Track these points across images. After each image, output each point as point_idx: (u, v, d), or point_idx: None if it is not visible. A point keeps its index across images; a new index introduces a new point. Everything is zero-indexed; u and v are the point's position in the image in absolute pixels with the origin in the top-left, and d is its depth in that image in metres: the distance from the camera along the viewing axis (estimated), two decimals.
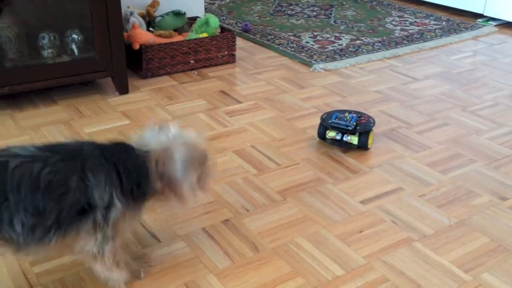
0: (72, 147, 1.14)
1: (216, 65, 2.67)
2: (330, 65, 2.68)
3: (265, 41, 3.04)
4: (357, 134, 1.83)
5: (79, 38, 2.27)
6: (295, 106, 2.25)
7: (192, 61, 2.59)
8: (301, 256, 1.37)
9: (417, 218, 1.53)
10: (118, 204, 1.11)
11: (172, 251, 1.38)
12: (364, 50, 2.90)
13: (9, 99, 2.19)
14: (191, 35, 2.63)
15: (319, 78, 2.56)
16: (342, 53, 2.85)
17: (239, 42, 3.00)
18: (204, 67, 2.64)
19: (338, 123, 1.84)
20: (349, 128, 1.82)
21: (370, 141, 1.87)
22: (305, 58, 2.78)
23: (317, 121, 2.11)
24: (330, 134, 1.87)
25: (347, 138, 1.84)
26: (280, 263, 1.35)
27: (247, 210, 1.55)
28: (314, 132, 2.01)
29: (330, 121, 1.87)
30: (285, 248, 1.40)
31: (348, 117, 1.87)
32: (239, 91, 2.39)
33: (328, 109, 2.21)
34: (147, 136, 1.23)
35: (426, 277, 1.31)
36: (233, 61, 2.72)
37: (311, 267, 1.33)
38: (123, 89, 2.30)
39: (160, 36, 2.55)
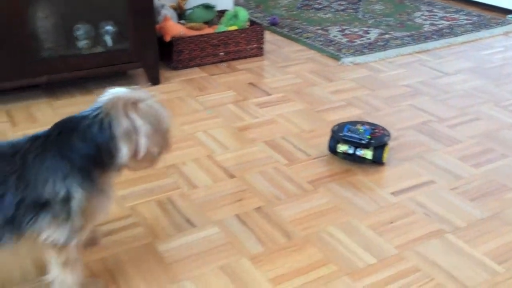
0: (15, 144, 1.08)
1: (245, 57, 2.70)
2: (359, 59, 2.69)
3: (293, 35, 3.05)
4: (372, 148, 1.70)
5: (113, 30, 2.32)
6: (324, 99, 2.26)
7: (221, 53, 2.62)
8: (333, 244, 1.39)
9: (449, 211, 1.53)
10: (78, 193, 1.05)
11: (207, 236, 1.41)
12: (393, 44, 2.89)
13: (47, 88, 2.25)
14: (221, 27, 2.66)
15: (347, 71, 2.56)
16: (370, 47, 2.85)
17: (267, 35, 3.02)
18: (233, 59, 2.67)
19: (351, 136, 1.71)
20: (363, 142, 1.69)
21: (385, 155, 1.73)
22: (333, 51, 2.78)
23: (346, 114, 2.12)
24: (342, 148, 1.73)
25: (360, 152, 1.71)
26: (312, 250, 1.37)
27: (279, 199, 1.58)
28: None
29: (341, 134, 1.73)
30: (317, 236, 1.42)
31: (361, 130, 1.73)
32: (268, 83, 2.41)
33: (358, 103, 2.22)
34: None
35: (458, 268, 1.31)
36: (261, 54, 2.74)
37: (343, 255, 1.35)
38: (154, 80, 2.34)
39: (190, 28, 2.58)
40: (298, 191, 1.62)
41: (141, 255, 1.34)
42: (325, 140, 1.92)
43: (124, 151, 1.07)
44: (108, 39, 2.31)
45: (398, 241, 1.41)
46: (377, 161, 1.71)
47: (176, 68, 2.52)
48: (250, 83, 2.40)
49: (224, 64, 2.62)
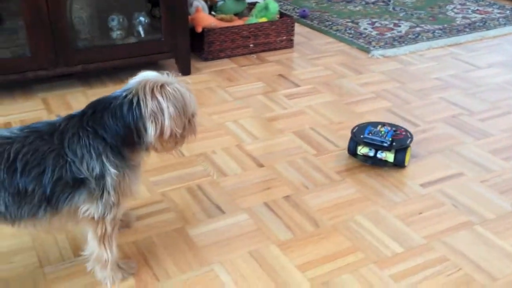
0: (52, 123, 1.12)
1: (275, 49, 2.71)
2: (389, 52, 2.67)
3: (323, 27, 3.05)
4: (393, 150, 1.65)
5: (146, 21, 2.36)
6: (353, 91, 2.26)
7: (251, 45, 2.64)
8: (360, 233, 1.40)
9: (478, 203, 1.53)
10: (112, 170, 1.10)
11: (236, 222, 1.44)
12: (424, 37, 2.87)
13: (81, 77, 2.32)
14: (251, 19, 2.68)
15: (377, 64, 2.55)
16: (401, 40, 2.82)
17: (297, 27, 3.02)
18: (263, 51, 2.68)
19: (372, 139, 1.66)
20: (385, 144, 1.63)
21: (407, 158, 1.67)
22: (363, 44, 2.77)
23: (375, 106, 2.12)
24: (363, 150, 1.68)
25: (381, 155, 1.65)
26: (340, 238, 1.38)
27: (307, 188, 1.60)
28: (373, 117, 2.03)
29: (362, 136, 1.68)
30: (344, 225, 1.43)
31: (383, 132, 1.68)
32: (297, 75, 2.42)
33: (387, 95, 2.22)
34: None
35: (487, 259, 1.31)
36: (291, 46, 2.75)
37: (370, 243, 1.37)
38: (185, 71, 2.38)
39: (221, 20, 2.61)
40: (326, 180, 1.63)
41: (172, 239, 1.38)
42: None
43: (150, 131, 1.11)
44: (141, 30, 2.36)
45: (426, 231, 1.41)
46: (399, 164, 1.65)
47: (206, 59, 2.56)
48: (280, 75, 2.42)
49: (254, 56, 2.64)
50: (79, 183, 1.09)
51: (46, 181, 1.06)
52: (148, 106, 1.09)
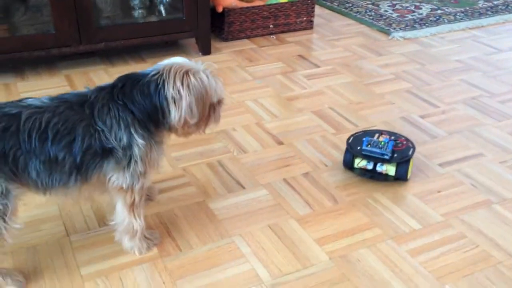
0: (83, 94, 1.15)
1: (294, 30, 2.71)
2: (410, 34, 2.66)
3: (343, 9, 3.04)
4: (395, 163, 1.49)
5: (167, 0, 2.38)
6: (373, 72, 2.26)
7: (271, 26, 2.64)
8: (378, 210, 1.42)
9: (497, 183, 1.53)
10: (139, 141, 1.13)
11: (256, 197, 1.47)
12: (445, 20, 2.84)
13: (103, 55, 2.35)
14: (272, 0, 2.68)
15: (397, 46, 2.54)
16: (422, 22, 2.80)
17: (317, 9, 3.01)
18: (283, 32, 2.69)
19: (371, 151, 1.50)
20: (386, 157, 1.48)
21: (410, 170, 1.52)
22: (383, 26, 2.76)
23: (395, 87, 2.12)
24: (361, 163, 1.52)
25: (381, 168, 1.50)
26: (358, 214, 1.40)
27: (326, 165, 1.62)
28: (393, 98, 2.03)
29: (360, 148, 1.52)
30: (362, 202, 1.45)
31: (382, 142, 1.52)
32: (317, 56, 2.42)
33: (407, 76, 2.21)
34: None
35: (504, 237, 1.32)
36: (311, 27, 2.75)
37: (388, 220, 1.38)
38: (206, 50, 2.40)
39: (242, 0, 2.62)
40: None
41: (194, 212, 1.41)
42: (373, 112, 1.93)
43: (172, 114, 1.15)
44: (162, 9, 2.38)
45: (444, 209, 1.42)
46: (401, 178, 1.50)
47: (226, 39, 2.57)
48: (299, 55, 2.42)
49: (273, 36, 2.64)
50: (107, 153, 1.12)
51: (76, 150, 1.09)
52: (169, 91, 1.13)
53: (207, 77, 1.18)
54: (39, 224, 1.34)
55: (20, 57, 2.06)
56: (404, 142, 1.54)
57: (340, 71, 2.27)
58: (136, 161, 1.14)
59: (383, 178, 1.51)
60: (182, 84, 1.13)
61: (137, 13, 2.33)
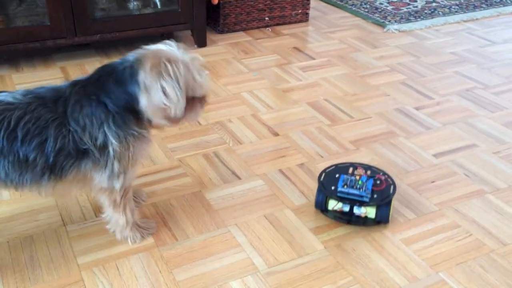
0: (57, 89, 1.10)
1: (290, 23, 2.72)
2: (405, 26, 2.66)
3: (338, 1, 3.04)
4: (375, 205, 1.30)
5: None
6: (368, 64, 2.27)
7: (266, 18, 2.64)
8: None
9: (490, 173, 1.55)
10: (114, 141, 1.08)
11: (252, 188, 1.48)
12: (440, 12, 2.85)
13: (98, 47, 2.35)
14: None
15: (392, 38, 2.55)
16: (417, 15, 2.81)
17: (312, 1, 3.01)
18: (278, 24, 2.69)
19: (349, 193, 1.30)
20: (365, 199, 1.29)
21: (391, 211, 1.33)
22: (378, 18, 2.77)
23: (390, 79, 2.13)
24: (337, 206, 1.32)
25: (360, 210, 1.30)
26: None
27: (321, 156, 1.62)
28: (387, 89, 2.04)
29: (334, 189, 1.32)
30: None
31: (360, 182, 1.32)
32: (312, 48, 2.43)
33: (402, 69, 2.22)
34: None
35: (497, 225, 1.34)
36: (306, 20, 2.75)
37: None
38: (201, 42, 2.40)
39: None
40: (341, 150, 1.66)
41: (190, 202, 1.42)
42: (368, 103, 1.94)
43: (142, 102, 1.08)
44: (158, 1, 2.37)
45: (438, 199, 1.44)
46: (383, 221, 1.31)
47: (222, 32, 2.57)
48: (295, 48, 2.43)
49: (269, 29, 2.65)
50: (82, 154, 1.09)
51: (49, 150, 1.05)
52: (142, 78, 1.06)
53: (190, 68, 1.10)
54: (36, 214, 1.35)
55: (15, 48, 2.06)
56: (383, 178, 1.35)
57: (335, 63, 2.27)
58: (112, 162, 1.10)
59: (362, 222, 1.31)
60: (152, 70, 1.06)
61: (133, 5, 2.32)
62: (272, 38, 2.54)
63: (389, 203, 1.30)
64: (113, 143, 1.08)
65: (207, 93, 1.18)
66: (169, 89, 1.06)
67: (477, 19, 2.80)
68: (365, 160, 1.60)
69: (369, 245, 1.27)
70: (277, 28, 2.66)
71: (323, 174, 1.38)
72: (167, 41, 1.13)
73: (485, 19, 2.81)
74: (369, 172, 1.37)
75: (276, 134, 1.74)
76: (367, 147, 1.67)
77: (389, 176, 1.36)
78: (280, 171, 1.55)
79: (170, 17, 2.29)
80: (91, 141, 1.07)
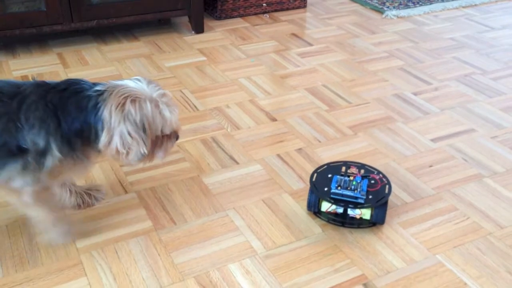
0: (17, 85, 1.07)
1: (288, 9, 2.70)
2: (403, 12, 2.65)
3: None
4: (371, 206, 1.25)
5: None
6: (366, 50, 2.26)
7: (264, 4, 2.63)
8: None
9: (488, 157, 1.55)
10: (56, 153, 1.05)
11: (250, 172, 1.48)
12: None
13: (95, 33, 2.33)
14: None
15: (391, 24, 2.54)
16: (415, 1, 2.80)
17: None
18: (276, 10, 2.68)
19: (343, 194, 1.25)
20: (360, 200, 1.25)
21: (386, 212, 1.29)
22: (377, 4, 2.75)
23: (388, 65, 2.12)
24: (331, 208, 1.26)
25: (354, 212, 1.25)
26: None
27: (319, 141, 1.62)
28: (385, 75, 2.04)
29: (327, 190, 1.27)
30: None
31: (354, 182, 1.28)
32: (310, 34, 2.42)
33: (400, 54, 2.22)
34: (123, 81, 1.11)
35: (495, 209, 1.34)
36: (304, 6, 2.74)
37: None
38: (199, 28, 2.39)
39: None
40: (338, 135, 1.66)
41: (188, 187, 1.42)
42: (366, 89, 1.94)
43: (102, 138, 1.06)
44: None
45: (436, 183, 1.44)
46: (379, 222, 1.28)
47: (219, 18, 2.56)
48: (293, 34, 2.42)
49: (266, 15, 2.63)
50: (20, 153, 1.05)
51: None
52: (105, 117, 1.04)
53: (159, 105, 1.08)
54: None
55: (12, 34, 2.04)
56: (377, 178, 1.31)
57: (333, 49, 2.27)
58: (41, 169, 1.06)
59: (357, 223, 1.28)
60: (117, 109, 1.04)
61: None
62: (270, 24, 2.53)
63: (385, 204, 1.26)
64: (55, 154, 1.05)
65: (178, 129, 1.16)
66: (131, 133, 1.05)
67: (475, 5, 2.79)
68: (363, 145, 1.60)
69: (366, 228, 1.28)
70: (275, 14, 2.65)
71: (315, 175, 1.33)
72: (137, 77, 1.12)
73: (483, 5, 2.80)
74: (362, 171, 1.33)
75: (274, 120, 1.74)
76: (365, 132, 1.67)
77: (384, 175, 1.33)
78: (278, 156, 1.56)
79: (168, 3, 2.27)
80: (32, 144, 1.04)
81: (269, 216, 1.32)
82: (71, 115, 1.05)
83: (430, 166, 1.51)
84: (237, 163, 1.52)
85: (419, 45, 2.30)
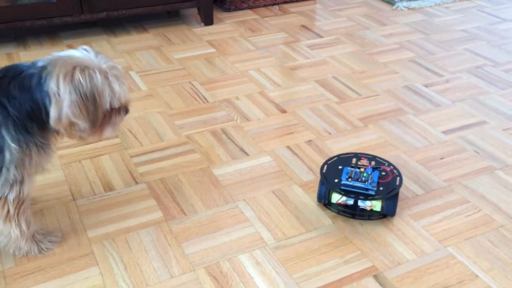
0: None
1: (297, 1, 2.69)
2: (414, 4, 2.63)
3: None
4: (381, 197, 1.24)
5: None
6: (377, 42, 2.24)
7: None
8: None
9: (500, 150, 1.54)
10: (12, 145, 0.98)
11: (260, 164, 1.48)
12: None
13: (105, 25, 2.33)
14: None
15: (401, 16, 2.52)
16: None
17: None
18: (285, 2, 2.66)
19: (353, 186, 1.25)
20: (370, 192, 1.24)
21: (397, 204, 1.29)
22: None
23: (399, 56, 2.11)
24: (341, 199, 1.26)
25: (365, 203, 1.24)
26: None
27: (329, 133, 1.62)
28: (396, 67, 2.02)
29: (338, 181, 1.27)
30: None
31: (365, 174, 1.27)
32: (320, 26, 2.41)
33: (411, 46, 2.20)
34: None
35: (506, 201, 1.33)
36: None
37: None
38: (208, 20, 2.38)
39: None
40: (349, 126, 1.65)
41: (198, 178, 1.42)
42: (376, 81, 1.92)
43: (51, 113, 0.99)
44: None
45: (447, 175, 1.43)
46: (390, 214, 1.27)
47: (228, 10, 2.55)
48: (302, 26, 2.40)
49: (276, 7, 2.62)
50: None
51: None
52: (50, 86, 0.97)
53: (108, 77, 1.01)
54: (46, 189, 1.35)
55: (22, 26, 2.05)
56: (388, 169, 1.30)
57: (343, 41, 2.25)
58: (8, 168, 1.00)
59: (367, 215, 1.27)
60: (65, 79, 0.97)
61: None
62: (279, 16, 2.51)
63: (396, 196, 1.25)
64: (12, 147, 0.98)
65: (127, 103, 1.09)
66: (75, 99, 0.98)
67: None
68: (373, 137, 1.59)
69: (377, 220, 1.27)
70: (284, 6, 2.63)
71: (325, 166, 1.33)
72: (83, 47, 1.05)
73: None
74: (373, 163, 1.32)
75: (283, 111, 1.73)
76: (376, 124, 1.66)
77: (394, 167, 1.32)
78: (288, 147, 1.55)
79: None
80: None
81: (279, 208, 1.32)
82: (17, 99, 0.98)
83: (441, 158, 1.50)
84: (247, 154, 1.52)
85: (430, 37, 2.28)
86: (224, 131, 1.62)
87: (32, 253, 1.15)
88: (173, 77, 1.93)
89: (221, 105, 1.77)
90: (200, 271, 1.13)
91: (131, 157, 1.49)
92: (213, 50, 2.16)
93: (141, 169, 1.44)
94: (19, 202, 1.06)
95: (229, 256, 1.17)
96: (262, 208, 1.31)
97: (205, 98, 1.80)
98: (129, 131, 1.61)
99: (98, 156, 1.49)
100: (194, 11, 2.47)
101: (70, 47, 2.15)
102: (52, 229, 1.23)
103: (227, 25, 2.40)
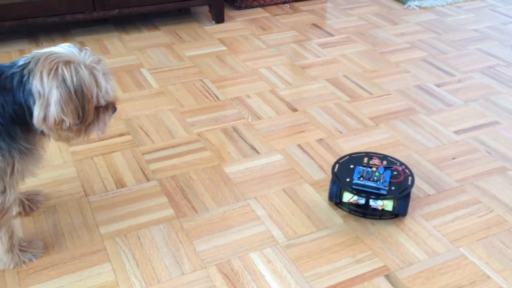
0: None
1: None
2: (426, 3, 2.62)
3: None
4: (393, 197, 1.24)
5: None
6: (388, 41, 2.24)
7: None
8: None
9: None
10: None
11: (271, 162, 1.48)
12: None
13: (116, 23, 2.34)
14: None
15: (413, 15, 2.51)
16: None
17: None
18: (296, 1, 2.66)
19: (365, 185, 1.24)
20: (382, 191, 1.24)
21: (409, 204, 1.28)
22: None
23: (410, 56, 2.10)
24: (352, 199, 1.26)
25: (376, 203, 1.24)
26: None
27: (340, 132, 1.62)
28: (408, 66, 2.01)
29: (349, 181, 1.27)
30: None
31: (377, 173, 1.27)
32: (331, 24, 2.40)
33: (423, 45, 2.19)
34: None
35: None
36: None
37: None
38: (219, 18, 2.38)
39: None
40: (360, 125, 1.65)
41: (209, 175, 1.42)
42: (388, 80, 1.92)
43: (35, 113, 0.93)
44: None
45: (459, 175, 1.42)
46: (401, 213, 1.26)
47: (239, 8, 2.55)
48: (313, 24, 2.40)
49: (287, 5, 2.62)
50: None
51: None
52: (36, 86, 0.92)
53: (92, 72, 0.97)
54: (58, 185, 1.36)
55: (34, 23, 2.06)
56: (400, 169, 1.30)
57: (354, 39, 2.24)
58: None
59: (379, 214, 1.27)
60: (49, 75, 0.92)
61: None
62: (290, 14, 2.51)
63: (407, 196, 1.24)
64: None
65: (115, 100, 1.05)
66: (61, 96, 0.92)
67: None
68: (385, 137, 1.59)
69: (388, 220, 1.27)
70: (295, 4, 2.63)
71: (337, 165, 1.32)
72: (66, 44, 1.00)
73: None
74: (385, 163, 1.32)
75: (294, 110, 1.73)
76: (387, 124, 1.66)
77: (406, 167, 1.31)
78: (299, 146, 1.55)
79: None
80: None
81: (290, 206, 1.32)
82: (3, 105, 0.93)
83: (453, 158, 1.49)
84: (258, 152, 1.52)
85: (442, 36, 2.27)
86: (235, 129, 1.63)
87: (13, 265, 1.10)
88: (184, 75, 1.93)
89: (232, 103, 1.77)
90: (211, 268, 1.13)
91: (143, 154, 1.50)
92: (224, 48, 2.16)
93: (153, 166, 1.45)
94: (2, 211, 1.01)
95: (240, 254, 1.17)
96: (273, 207, 1.32)
97: (216, 96, 1.80)
98: (141, 128, 1.62)
99: (110, 153, 1.50)
100: (205, 9, 2.48)
101: (82, 44, 2.16)
102: (35, 238, 1.18)
103: (238, 23, 2.40)
